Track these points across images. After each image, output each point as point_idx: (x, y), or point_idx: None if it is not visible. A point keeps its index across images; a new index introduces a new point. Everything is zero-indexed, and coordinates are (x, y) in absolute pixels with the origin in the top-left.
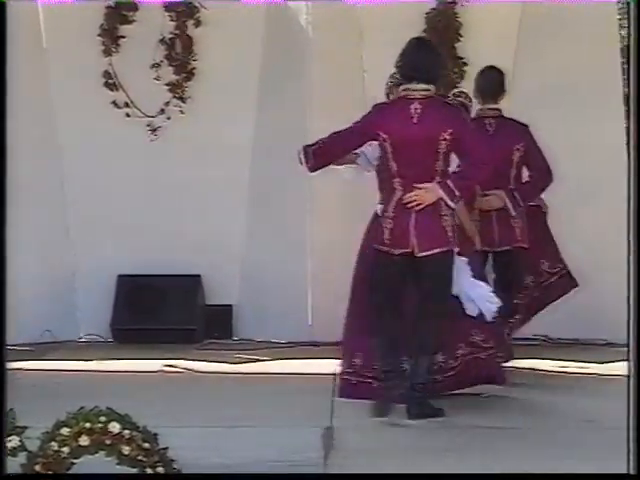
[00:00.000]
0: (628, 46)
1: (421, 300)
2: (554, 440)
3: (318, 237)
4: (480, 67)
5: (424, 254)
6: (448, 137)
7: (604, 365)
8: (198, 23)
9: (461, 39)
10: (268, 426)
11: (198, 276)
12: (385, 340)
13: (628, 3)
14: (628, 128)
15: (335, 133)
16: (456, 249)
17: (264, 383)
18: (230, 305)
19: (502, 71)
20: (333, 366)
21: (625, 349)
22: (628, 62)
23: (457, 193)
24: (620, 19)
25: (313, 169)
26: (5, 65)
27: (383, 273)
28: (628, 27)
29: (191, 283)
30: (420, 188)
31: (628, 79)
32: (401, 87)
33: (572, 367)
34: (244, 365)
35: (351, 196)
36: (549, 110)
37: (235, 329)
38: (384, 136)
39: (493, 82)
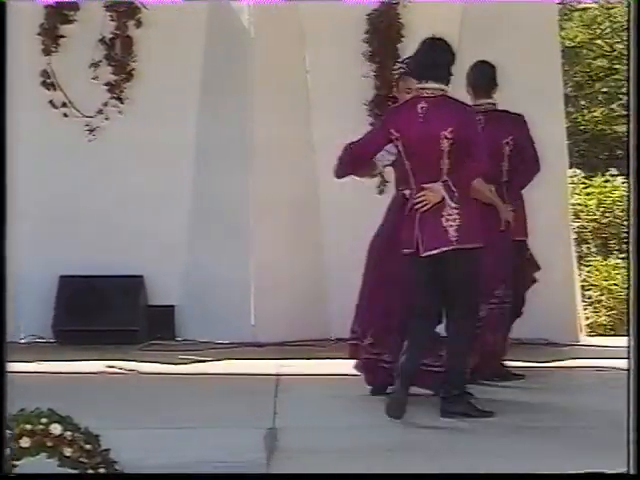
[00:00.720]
0: (628, 46)
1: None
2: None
3: (260, 237)
4: None
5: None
6: (449, 135)
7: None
8: (139, 24)
9: (403, 39)
10: (211, 427)
11: (140, 277)
12: (419, 340)
13: (628, 3)
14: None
15: (361, 137)
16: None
17: (207, 384)
18: (172, 306)
19: (493, 65)
20: (276, 367)
21: (565, 348)
22: (628, 62)
23: (455, 191)
24: (560, 20)
25: (341, 175)
26: (5, 65)
27: (414, 273)
28: (628, 27)
29: (133, 284)
30: (426, 188)
31: (628, 79)
32: (416, 86)
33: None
34: (187, 366)
35: (292, 197)
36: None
37: (178, 330)
38: (396, 135)
39: (485, 76)
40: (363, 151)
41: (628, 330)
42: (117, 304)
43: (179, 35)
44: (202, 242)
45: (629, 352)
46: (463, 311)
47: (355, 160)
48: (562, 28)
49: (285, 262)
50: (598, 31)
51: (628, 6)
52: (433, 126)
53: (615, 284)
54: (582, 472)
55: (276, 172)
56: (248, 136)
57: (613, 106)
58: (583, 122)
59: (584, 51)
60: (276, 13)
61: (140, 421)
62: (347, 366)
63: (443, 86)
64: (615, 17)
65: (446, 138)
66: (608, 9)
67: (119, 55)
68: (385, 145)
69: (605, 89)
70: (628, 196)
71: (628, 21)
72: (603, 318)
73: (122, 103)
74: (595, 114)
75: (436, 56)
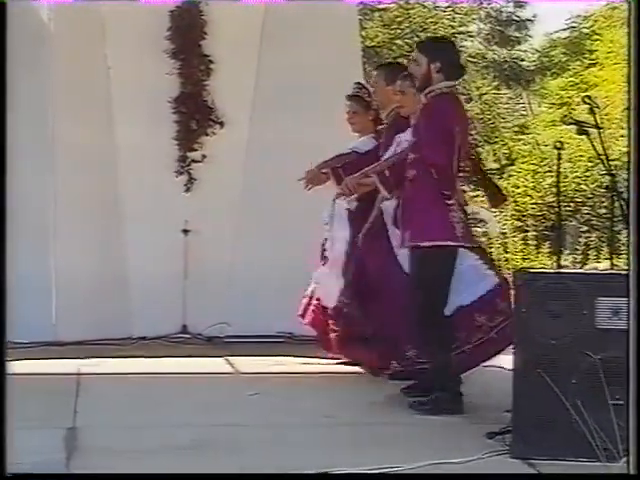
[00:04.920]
0: (628, 46)
1: None
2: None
3: (62, 236)
4: (226, 64)
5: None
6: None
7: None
8: None
9: (206, 37)
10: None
11: None
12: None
13: (629, 3)
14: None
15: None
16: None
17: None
18: None
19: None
20: (77, 366)
21: None
22: (629, 62)
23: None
24: (361, 19)
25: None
26: (5, 65)
27: (447, 268)
28: (628, 27)
29: None
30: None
31: (629, 79)
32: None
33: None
34: None
35: (95, 196)
36: (290, 111)
37: None
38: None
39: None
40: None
41: (628, 330)
42: None
43: None
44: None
45: (629, 352)
46: (418, 313)
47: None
48: (363, 28)
49: (86, 261)
50: (398, 31)
51: (629, 6)
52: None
53: None
54: (582, 472)
55: (78, 171)
56: (49, 135)
57: None
58: None
59: (384, 50)
60: (75, 11)
61: None
62: (149, 365)
63: (450, 83)
64: (414, 18)
65: None
66: (407, 9)
67: None
68: None
69: None
70: (628, 195)
71: (628, 21)
72: None
73: None
74: None
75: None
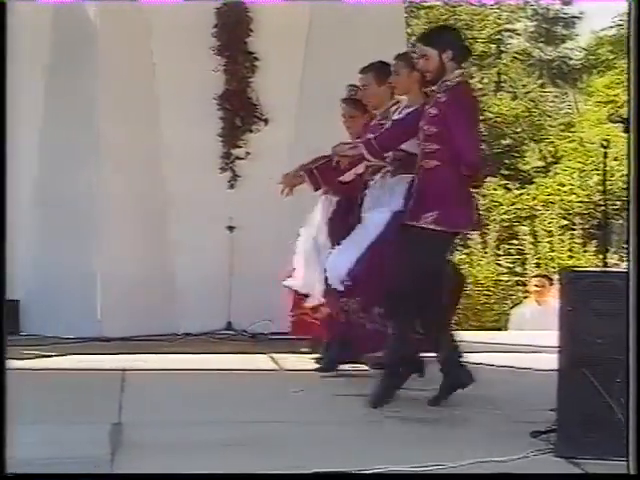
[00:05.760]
0: (628, 46)
1: None
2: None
3: (107, 233)
4: (271, 61)
5: None
6: None
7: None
8: None
9: (252, 34)
10: (55, 422)
11: None
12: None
13: (629, 3)
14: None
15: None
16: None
17: (52, 379)
18: (17, 300)
19: None
20: (121, 362)
21: None
22: (628, 62)
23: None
24: (407, 17)
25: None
26: (5, 65)
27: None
28: (628, 27)
29: None
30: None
31: (628, 79)
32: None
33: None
34: (32, 361)
35: (140, 194)
36: (335, 109)
37: (22, 325)
38: None
39: None
40: None
41: (628, 331)
42: None
43: (22, 32)
44: (48, 238)
45: (629, 353)
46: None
47: None
48: (408, 25)
49: (132, 258)
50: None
51: (629, 6)
52: None
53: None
54: (582, 472)
55: (123, 169)
56: (95, 132)
57: None
58: None
59: None
60: (121, 9)
61: None
62: (195, 361)
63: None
64: (460, 15)
65: None
66: (453, 7)
67: None
68: None
69: None
70: (628, 194)
71: (628, 21)
72: None
73: None
74: None
75: None
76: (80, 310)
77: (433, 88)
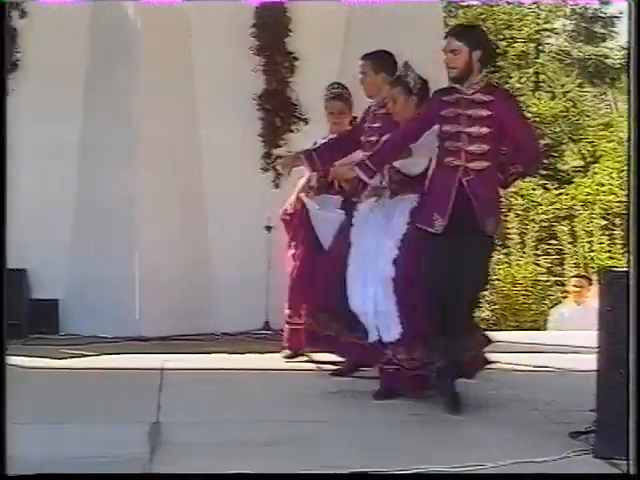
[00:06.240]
0: (628, 46)
1: None
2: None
3: (145, 233)
4: (310, 61)
5: None
6: None
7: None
8: (23, 14)
9: (291, 34)
10: (94, 422)
11: (23, 270)
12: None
13: (629, 3)
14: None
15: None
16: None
17: (91, 378)
18: (56, 300)
19: None
20: (160, 361)
21: None
22: (628, 62)
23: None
24: (445, 17)
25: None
26: (5, 65)
27: None
28: (628, 27)
29: (16, 277)
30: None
31: (628, 79)
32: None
33: None
34: (70, 360)
35: (178, 194)
36: None
37: (61, 324)
38: None
39: None
40: None
41: (628, 332)
42: None
43: (63, 31)
44: (87, 237)
45: (629, 354)
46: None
47: None
48: (446, 25)
49: (170, 257)
50: (484, 28)
51: (629, 6)
52: None
53: (498, 279)
54: (582, 472)
55: (162, 170)
56: (134, 133)
57: None
58: None
59: None
60: (162, 11)
61: (23, 416)
62: (232, 361)
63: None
64: (498, 15)
65: None
66: (491, 7)
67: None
68: None
69: None
70: (628, 194)
71: (629, 21)
72: (486, 313)
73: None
74: None
75: None
76: (119, 310)
77: (456, 86)
